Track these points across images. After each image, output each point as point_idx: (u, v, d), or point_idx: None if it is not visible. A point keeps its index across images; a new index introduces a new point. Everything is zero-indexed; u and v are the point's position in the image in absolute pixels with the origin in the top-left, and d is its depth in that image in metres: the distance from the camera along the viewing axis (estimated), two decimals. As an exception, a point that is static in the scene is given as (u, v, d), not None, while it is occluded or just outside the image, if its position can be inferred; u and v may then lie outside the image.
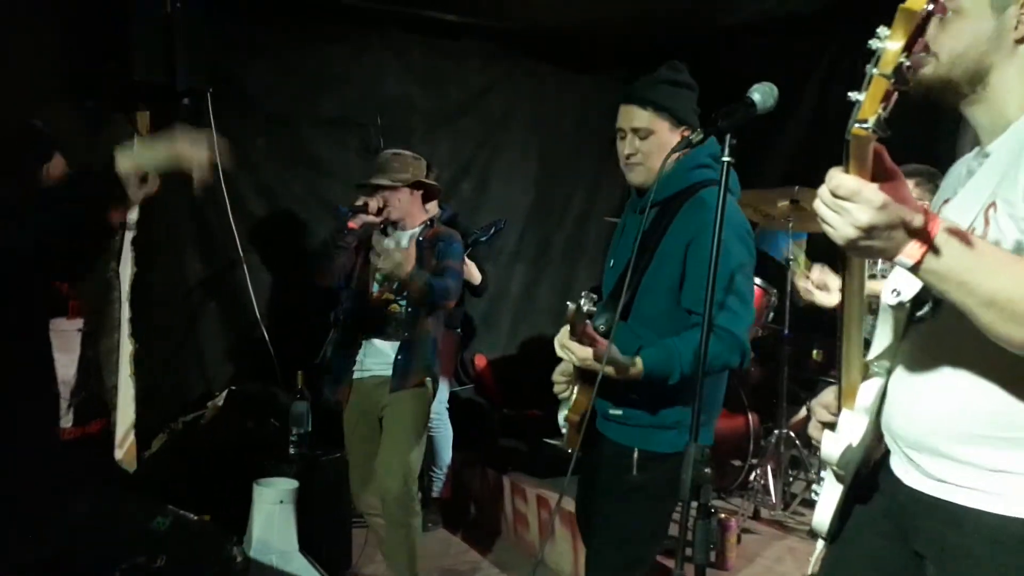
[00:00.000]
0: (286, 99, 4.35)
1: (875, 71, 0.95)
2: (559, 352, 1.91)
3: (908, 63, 0.93)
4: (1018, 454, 1.16)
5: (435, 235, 3.15)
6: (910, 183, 3.66)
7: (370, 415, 3.14)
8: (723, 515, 3.24)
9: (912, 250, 1.03)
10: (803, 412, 3.76)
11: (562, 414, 2.16)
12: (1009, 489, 1.16)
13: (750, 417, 3.92)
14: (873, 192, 1.00)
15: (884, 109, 0.95)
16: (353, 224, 3.05)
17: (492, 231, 3.87)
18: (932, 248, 1.03)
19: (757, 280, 3.81)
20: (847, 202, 1.01)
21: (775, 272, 3.72)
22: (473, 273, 3.84)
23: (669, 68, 2.12)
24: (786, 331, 3.66)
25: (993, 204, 1.18)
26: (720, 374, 2.06)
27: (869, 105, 0.95)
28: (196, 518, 2.04)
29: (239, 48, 4.14)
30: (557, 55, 5.07)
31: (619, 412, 2.07)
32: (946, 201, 1.35)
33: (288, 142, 4.40)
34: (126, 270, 3.83)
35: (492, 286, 4.26)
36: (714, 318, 1.84)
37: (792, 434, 3.64)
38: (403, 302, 3.09)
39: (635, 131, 2.06)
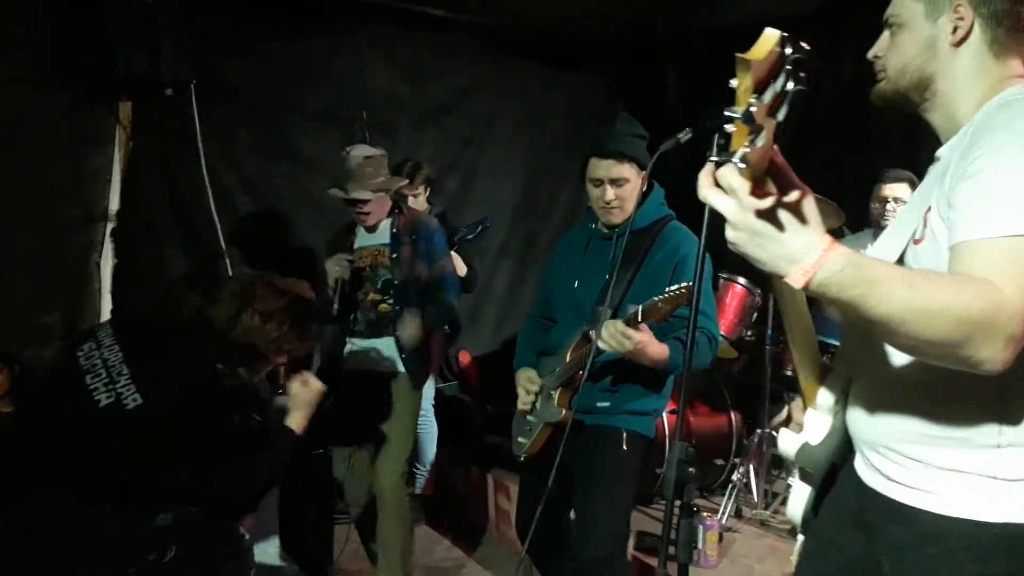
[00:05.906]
0: (271, 92, 4.31)
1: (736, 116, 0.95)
2: (612, 341, 2.11)
3: (765, 101, 0.93)
4: (958, 454, 1.19)
5: (410, 224, 3.09)
6: (903, 186, 3.62)
7: (370, 379, 3.07)
8: (705, 513, 3.25)
9: (796, 276, 1.02)
10: (785, 412, 3.78)
11: (541, 416, 2.42)
12: (950, 488, 1.20)
13: (733, 416, 3.94)
14: (746, 192, 0.98)
15: (751, 141, 0.94)
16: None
17: (479, 229, 3.85)
18: (816, 277, 1.01)
19: (741, 280, 3.83)
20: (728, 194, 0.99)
21: (759, 272, 3.72)
22: (459, 267, 3.83)
23: (626, 122, 2.42)
24: (769, 331, 3.68)
25: (930, 208, 1.22)
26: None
27: (736, 140, 0.96)
28: (194, 509, 2.04)
29: (224, 39, 4.08)
30: (544, 52, 5.06)
31: (607, 404, 2.40)
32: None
33: (272, 135, 4.36)
34: (107, 262, 3.78)
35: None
36: (702, 324, 2.25)
37: (774, 433, 3.66)
38: (391, 300, 3.06)
39: (613, 181, 2.36)
